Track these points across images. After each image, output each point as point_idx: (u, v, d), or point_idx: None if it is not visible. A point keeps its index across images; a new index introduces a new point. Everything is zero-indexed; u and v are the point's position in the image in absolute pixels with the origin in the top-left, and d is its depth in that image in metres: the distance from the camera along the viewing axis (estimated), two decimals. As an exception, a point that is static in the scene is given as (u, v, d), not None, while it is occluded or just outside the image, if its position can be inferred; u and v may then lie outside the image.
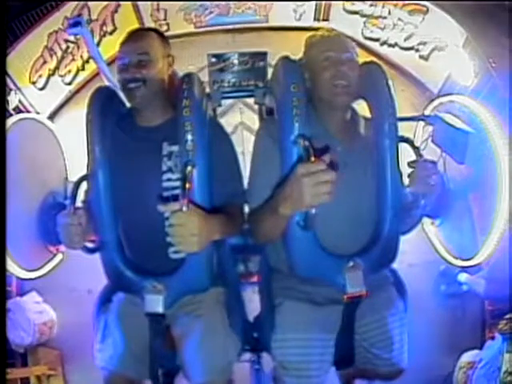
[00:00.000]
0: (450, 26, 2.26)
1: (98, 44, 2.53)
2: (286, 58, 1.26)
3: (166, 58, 1.35)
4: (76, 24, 2.00)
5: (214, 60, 2.39)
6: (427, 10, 2.33)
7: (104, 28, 2.57)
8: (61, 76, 2.58)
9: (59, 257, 2.37)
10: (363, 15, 2.54)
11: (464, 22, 2.19)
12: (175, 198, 1.10)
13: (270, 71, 2.34)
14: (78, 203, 1.24)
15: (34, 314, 2.42)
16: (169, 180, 1.25)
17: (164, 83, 1.32)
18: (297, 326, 1.27)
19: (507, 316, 1.88)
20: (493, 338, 2.01)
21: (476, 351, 2.23)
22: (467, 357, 2.26)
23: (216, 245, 1.24)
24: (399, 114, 1.27)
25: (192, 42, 2.76)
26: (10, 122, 2.13)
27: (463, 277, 2.40)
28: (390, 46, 2.59)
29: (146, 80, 1.26)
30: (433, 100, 2.24)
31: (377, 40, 2.61)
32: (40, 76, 2.48)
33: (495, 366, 1.82)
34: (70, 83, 2.64)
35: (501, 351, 1.81)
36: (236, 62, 2.39)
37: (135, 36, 1.32)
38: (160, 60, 1.31)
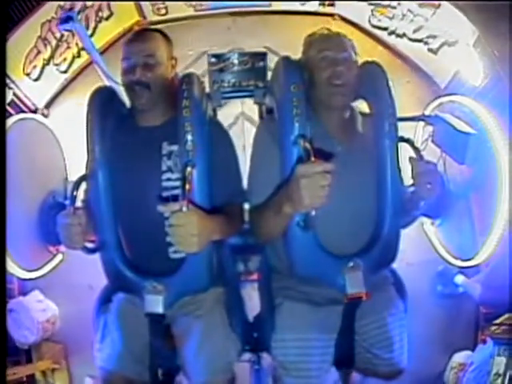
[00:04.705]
0: (462, 23, 2.20)
1: (94, 30, 2.48)
2: (286, 58, 1.26)
3: (170, 60, 1.35)
4: (67, 19, 1.94)
5: (213, 60, 2.38)
6: (439, 4, 2.26)
7: (100, 14, 2.50)
8: (56, 65, 2.52)
9: (59, 257, 2.37)
10: (371, 3, 2.47)
11: (477, 20, 2.12)
12: (175, 198, 1.10)
13: (270, 60, 2.29)
14: (78, 203, 1.23)
15: (37, 312, 2.41)
16: (168, 180, 1.25)
17: (167, 85, 1.32)
18: (297, 327, 1.27)
19: (497, 321, 1.87)
20: (484, 342, 2.00)
21: (468, 352, 2.24)
22: (459, 358, 2.28)
23: (216, 245, 1.24)
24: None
25: (192, 25, 2.65)
26: (10, 122, 2.12)
27: (460, 279, 2.40)
28: (398, 36, 2.52)
29: (152, 83, 1.25)
30: (434, 99, 2.23)
31: (385, 29, 2.55)
32: (34, 67, 2.41)
33: (485, 371, 1.81)
34: (65, 71, 2.58)
35: (492, 355, 1.80)
36: (236, 62, 2.37)
37: (141, 37, 1.31)
38: (165, 62, 1.31)
